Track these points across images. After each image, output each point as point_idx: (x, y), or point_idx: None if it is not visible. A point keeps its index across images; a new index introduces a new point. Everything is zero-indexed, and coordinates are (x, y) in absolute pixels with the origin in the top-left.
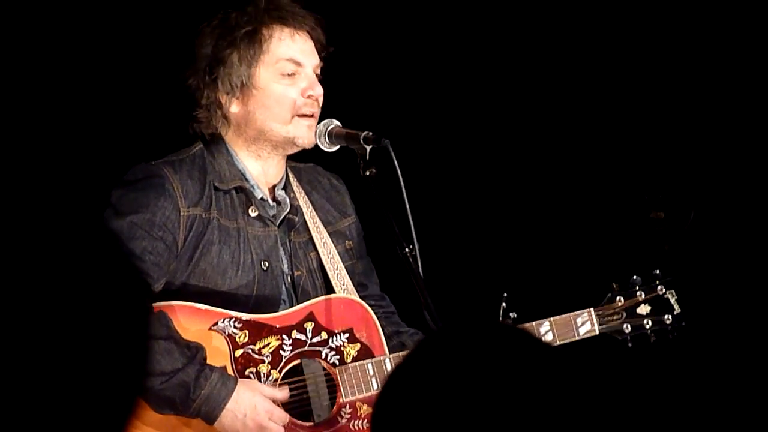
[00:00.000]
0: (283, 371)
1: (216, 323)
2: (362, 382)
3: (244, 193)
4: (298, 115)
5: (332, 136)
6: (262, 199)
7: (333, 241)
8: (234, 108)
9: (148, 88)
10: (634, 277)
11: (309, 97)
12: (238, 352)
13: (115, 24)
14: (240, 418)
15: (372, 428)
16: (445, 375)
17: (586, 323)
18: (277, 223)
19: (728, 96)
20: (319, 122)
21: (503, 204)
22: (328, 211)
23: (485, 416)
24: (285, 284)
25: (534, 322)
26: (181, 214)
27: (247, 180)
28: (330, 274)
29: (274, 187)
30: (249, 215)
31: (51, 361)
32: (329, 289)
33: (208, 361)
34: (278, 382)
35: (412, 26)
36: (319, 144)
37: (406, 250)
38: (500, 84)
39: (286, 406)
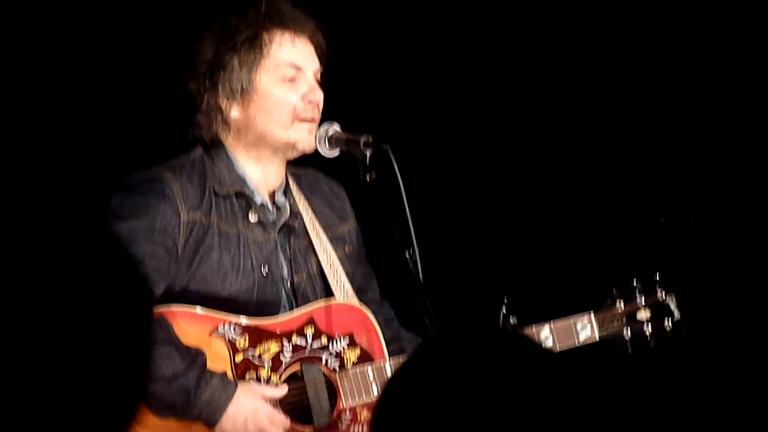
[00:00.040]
0: (283, 376)
1: (216, 328)
2: (362, 388)
3: (244, 198)
4: (299, 120)
5: (332, 140)
6: (262, 204)
7: (333, 246)
8: (234, 113)
9: (149, 93)
10: (635, 281)
11: (309, 102)
12: (238, 357)
13: (115, 29)
14: (241, 422)
15: None
16: (444, 380)
17: (586, 328)
18: (277, 229)
19: (729, 100)
20: (318, 126)
21: (503, 208)
22: (327, 217)
23: (485, 422)
24: (285, 289)
25: (534, 327)
26: (181, 219)
27: (247, 185)
28: (330, 279)
29: (274, 192)
30: (249, 220)
31: (53, 365)
32: (329, 295)
33: (208, 366)
34: (278, 387)
35: (412, 31)
36: (319, 149)
37: (407, 254)
38: (500, 88)
39: (286, 410)
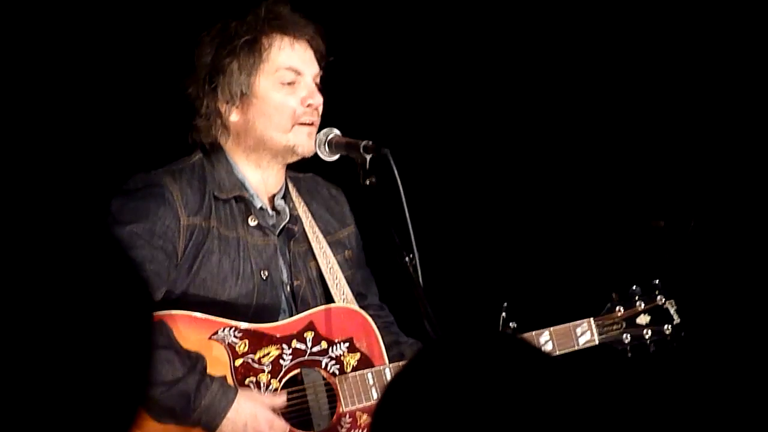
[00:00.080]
0: (283, 380)
1: (216, 332)
2: (362, 392)
3: (244, 202)
4: (298, 124)
5: (332, 145)
6: (261, 208)
7: (332, 251)
8: (233, 117)
9: (148, 97)
10: (634, 287)
11: (309, 105)
12: (238, 362)
13: (115, 33)
14: (240, 426)
15: None
16: (444, 384)
17: (585, 333)
18: (277, 233)
19: (729, 105)
20: (318, 131)
21: (503, 213)
22: (327, 221)
23: (485, 426)
24: (284, 294)
25: (534, 332)
26: (181, 223)
27: (246, 189)
28: (329, 283)
29: (273, 196)
30: (248, 224)
31: (52, 369)
32: (329, 299)
33: (208, 371)
34: (278, 391)
35: (412, 35)
36: (319, 153)
37: (406, 259)
38: (500, 93)
39: (286, 415)
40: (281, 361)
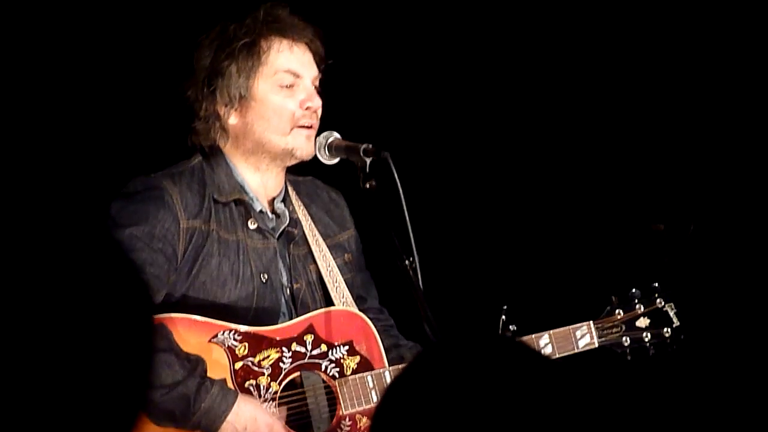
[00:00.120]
0: (283, 383)
1: (216, 335)
2: (362, 395)
3: (243, 205)
4: (297, 127)
5: (332, 148)
6: (261, 211)
7: (332, 254)
8: (232, 120)
9: (148, 100)
10: (633, 290)
11: (307, 108)
12: (238, 365)
13: (114, 36)
14: (240, 430)
15: None
16: (444, 388)
17: (585, 336)
18: (277, 236)
19: (729, 109)
20: (318, 134)
21: (503, 216)
22: (327, 225)
23: (484, 429)
24: (284, 297)
25: (533, 335)
26: (181, 226)
27: (246, 192)
28: (329, 286)
29: (273, 199)
30: (248, 228)
31: (52, 372)
32: (328, 302)
33: (207, 374)
34: (278, 394)
35: (412, 39)
36: (319, 156)
37: (406, 262)
38: (499, 96)
39: (285, 418)
40: (281, 364)
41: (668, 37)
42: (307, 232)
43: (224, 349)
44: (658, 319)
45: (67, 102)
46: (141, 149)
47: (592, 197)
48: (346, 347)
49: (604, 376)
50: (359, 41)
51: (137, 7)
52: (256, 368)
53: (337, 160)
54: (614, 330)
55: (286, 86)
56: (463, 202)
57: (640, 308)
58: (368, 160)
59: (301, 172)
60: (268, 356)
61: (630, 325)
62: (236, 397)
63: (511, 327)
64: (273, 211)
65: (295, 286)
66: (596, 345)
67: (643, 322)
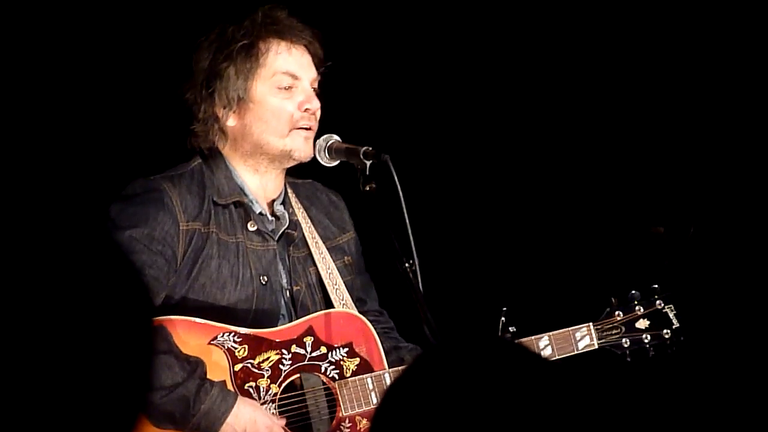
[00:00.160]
0: (283, 385)
1: (215, 337)
2: (361, 397)
3: (243, 207)
4: (295, 128)
5: (332, 151)
6: (260, 213)
7: (332, 257)
8: (231, 122)
9: (147, 103)
10: (633, 291)
11: (306, 110)
12: (238, 367)
13: (113, 38)
14: None
15: None
16: (443, 390)
17: (585, 338)
18: (276, 238)
19: (728, 112)
20: (318, 137)
21: (503, 218)
22: (326, 227)
23: (484, 431)
24: (284, 299)
25: (533, 337)
26: (180, 228)
27: (245, 194)
28: (329, 289)
29: (272, 201)
30: (248, 230)
31: (51, 374)
32: (328, 304)
33: (207, 376)
34: (277, 396)
35: (411, 41)
36: (319, 159)
37: (406, 265)
38: (499, 98)
39: (285, 420)
40: (281, 366)
41: (668, 39)
42: (306, 234)
43: (224, 351)
44: (658, 320)
45: (66, 104)
46: (140, 152)
47: (592, 200)
48: (346, 349)
49: (604, 378)
50: (359, 43)
51: (136, 10)
52: (255, 370)
53: (337, 162)
54: (614, 331)
55: (285, 88)
56: (462, 205)
57: (640, 310)
58: (368, 163)
59: (301, 174)
60: (268, 358)
61: (630, 326)
62: (236, 398)
63: (510, 328)
64: (273, 214)
65: (294, 288)
66: (596, 346)
67: (642, 324)
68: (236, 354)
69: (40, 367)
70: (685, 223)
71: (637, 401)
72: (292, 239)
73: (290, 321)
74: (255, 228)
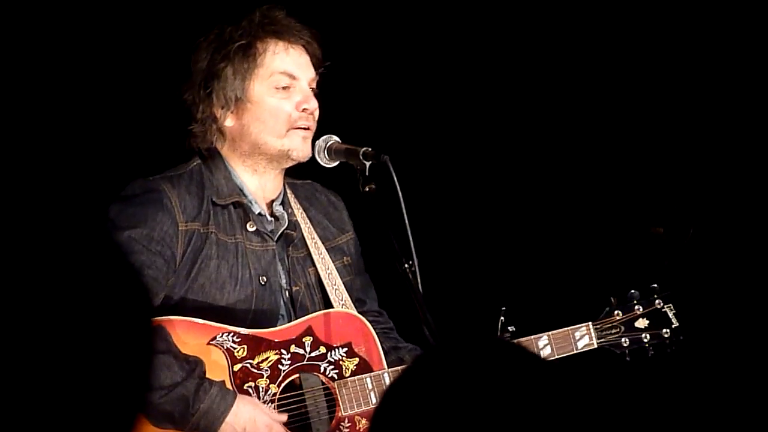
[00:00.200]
0: (282, 385)
1: (214, 338)
2: (361, 397)
3: (242, 208)
4: (293, 128)
5: (331, 151)
6: (260, 214)
7: (331, 257)
8: (229, 122)
9: (146, 104)
10: (632, 291)
11: (304, 110)
12: (237, 367)
13: (112, 39)
14: (239, 431)
15: None
16: (442, 390)
17: (584, 337)
18: (275, 238)
19: (728, 113)
20: (317, 138)
21: (502, 219)
22: (326, 228)
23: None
24: (283, 299)
25: (532, 336)
26: (179, 228)
27: (244, 195)
28: (328, 289)
29: (272, 202)
30: (247, 230)
31: (50, 374)
32: (327, 305)
33: (206, 376)
34: (277, 396)
35: (410, 41)
36: (318, 159)
37: (405, 265)
38: (498, 99)
39: (286, 416)
40: (280, 366)
41: (668, 40)
42: (306, 234)
43: (223, 351)
44: (657, 320)
45: (65, 105)
46: (140, 152)
47: (592, 200)
48: (345, 349)
49: (603, 378)
50: (358, 43)
51: (135, 10)
52: (254, 370)
53: (336, 163)
54: (613, 331)
55: (282, 88)
56: (462, 205)
57: (639, 309)
58: (368, 164)
59: (301, 175)
60: (267, 358)
61: (629, 325)
62: (235, 397)
63: (510, 328)
64: (272, 214)
65: (293, 288)
66: (595, 346)
67: (642, 323)
68: (235, 354)
69: (39, 367)
70: (684, 224)
71: (636, 401)
72: (292, 239)
73: (289, 321)
74: (254, 228)
